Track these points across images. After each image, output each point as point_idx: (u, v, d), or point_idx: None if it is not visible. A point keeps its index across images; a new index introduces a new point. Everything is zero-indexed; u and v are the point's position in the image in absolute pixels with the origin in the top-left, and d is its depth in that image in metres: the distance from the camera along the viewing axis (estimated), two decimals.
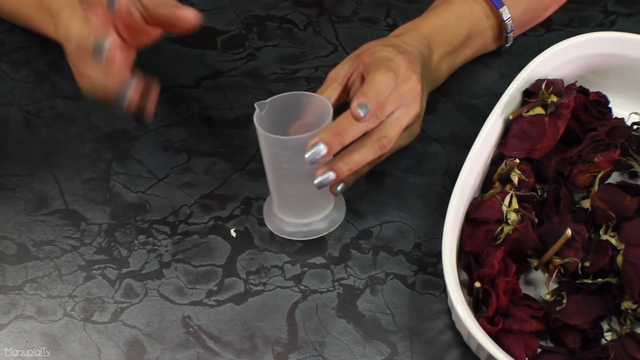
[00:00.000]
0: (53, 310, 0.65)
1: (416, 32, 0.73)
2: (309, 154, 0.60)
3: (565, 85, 0.71)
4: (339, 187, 0.65)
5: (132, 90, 0.63)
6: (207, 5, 0.85)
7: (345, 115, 0.62)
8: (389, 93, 0.63)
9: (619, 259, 0.61)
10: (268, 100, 0.63)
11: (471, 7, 0.75)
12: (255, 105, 0.63)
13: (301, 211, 0.67)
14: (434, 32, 0.73)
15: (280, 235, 0.67)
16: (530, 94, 0.70)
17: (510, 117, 0.68)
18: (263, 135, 0.62)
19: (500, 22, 0.77)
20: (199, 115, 0.77)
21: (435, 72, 0.74)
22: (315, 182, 0.62)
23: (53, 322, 0.64)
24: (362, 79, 0.66)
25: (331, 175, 0.62)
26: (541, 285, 0.65)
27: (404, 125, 0.66)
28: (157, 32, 0.65)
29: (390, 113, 0.65)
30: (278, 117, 0.64)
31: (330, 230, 0.67)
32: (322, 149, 0.60)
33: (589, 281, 0.62)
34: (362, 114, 0.61)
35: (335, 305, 0.65)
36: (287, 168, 0.63)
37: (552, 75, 0.71)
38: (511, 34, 0.78)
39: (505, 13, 0.76)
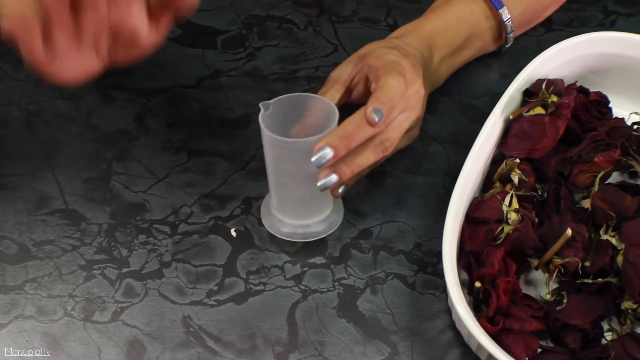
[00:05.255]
0: (53, 310, 0.65)
1: (417, 34, 0.73)
2: (316, 158, 0.60)
3: (566, 85, 0.71)
4: (340, 190, 0.65)
5: None
6: (207, 5, 0.85)
7: (352, 120, 0.62)
8: (400, 98, 0.63)
9: (619, 258, 0.61)
10: (273, 100, 0.63)
11: (471, 8, 0.75)
12: (260, 105, 0.62)
13: (300, 212, 0.67)
14: (435, 34, 0.73)
15: (277, 235, 0.67)
16: (530, 94, 0.70)
17: (511, 117, 0.68)
18: (268, 137, 0.62)
19: (500, 23, 0.77)
20: (199, 115, 0.77)
21: (436, 74, 0.74)
22: (318, 184, 0.62)
23: (53, 322, 0.64)
24: (366, 81, 0.66)
25: (334, 177, 0.62)
26: (541, 285, 0.65)
27: (406, 128, 0.66)
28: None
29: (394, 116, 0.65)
30: (282, 117, 0.64)
31: (328, 233, 0.67)
32: (328, 152, 0.60)
33: (589, 281, 0.62)
34: (377, 119, 0.61)
35: (336, 305, 0.65)
36: (291, 170, 0.63)
37: (552, 75, 0.71)
38: (511, 34, 0.78)
39: (505, 14, 0.76)
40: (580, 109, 0.70)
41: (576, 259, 0.62)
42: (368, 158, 0.64)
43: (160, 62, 0.80)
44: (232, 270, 0.67)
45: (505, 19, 0.76)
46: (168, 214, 0.70)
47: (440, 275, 0.66)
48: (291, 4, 0.86)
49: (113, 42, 0.56)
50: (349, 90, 0.68)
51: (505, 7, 0.76)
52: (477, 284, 0.61)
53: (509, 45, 0.79)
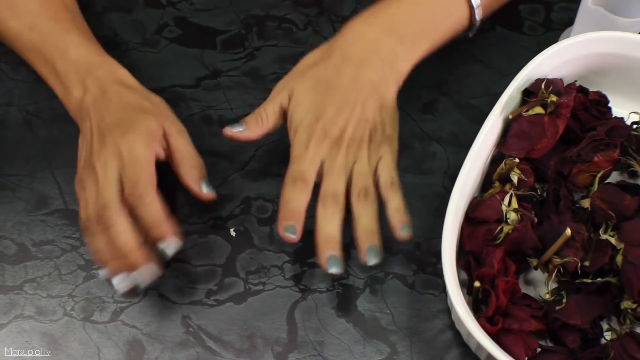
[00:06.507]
0: (53, 310, 0.65)
1: (375, 21, 0.70)
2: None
3: (565, 84, 0.71)
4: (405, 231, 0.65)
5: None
6: (207, 5, 0.85)
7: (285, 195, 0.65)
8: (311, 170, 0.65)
9: (619, 258, 0.61)
10: None
11: None
12: None
13: None
14: (396, 20, 0.70)
15: None
16: (529, 94, 0.70)
17: (510, 117, 0.68)
18: None
19: (468, 2, 0.72)
20: (199, 115, 0.77)
21: (398, 64, 0.69)
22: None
23: (53, 322, 0.64)
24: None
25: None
26: (541, 285, 0.65)
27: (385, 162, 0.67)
28: None
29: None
30: None
31: None
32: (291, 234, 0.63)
33: (589, 281, 0.62)
34: (293, 236, 0.63)
35: (335, 304, 0.65)
36: None
37: (551, 74, 0.71)
38: (478, 10, 0.73)
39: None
40: (579, 109, 0.70)
41: (575, 258, 0.61)
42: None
43: (159, 62, 0.80)
44: (232, 270, 0.67)
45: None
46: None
47: (440, 275, 0.66)
48: (291, 4, 0.85)
49: None
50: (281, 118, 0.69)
51: None
52: (477, 284, 0.61)
53: (478, 22, 0.74)
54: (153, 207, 0.62)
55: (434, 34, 0.71)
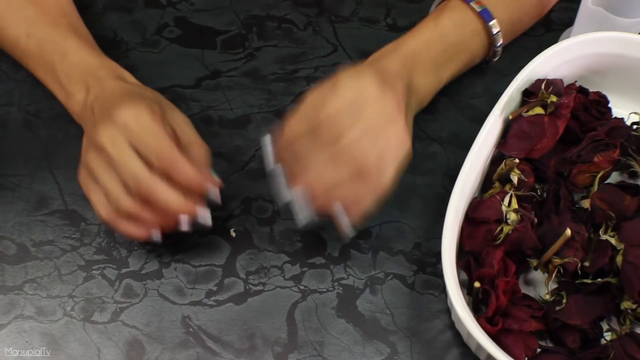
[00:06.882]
0: (53, 310, 0.65)
1: (398, 54, 0.70)
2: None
3: (565, 85, 0.71)
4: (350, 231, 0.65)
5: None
6: (206, 5, 0.85)
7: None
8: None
9: (619, 258, 0.61)
10: None
11: (455, 21, 0.73)
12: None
13: None
14: (417, 52, 0.71)
15: None
16: (529, 94, 0.70)
17: (510, 117, 0.68)
18: None
19: (488, 35, 0.74)
20: (199, 115, 0.77)
21: (418, 93, 0.71)
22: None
23: (53, 322, 0.64)
24: None
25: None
26: (541, 285, 0.65)
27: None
28: None
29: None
30: None
31: None
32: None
33: (589, 281, 0.62)
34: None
35: (335, 305, 0.65)
36: None
37: (551, 75, 0.71)
38: (499, 48, 0.75)
39: (495, 27, 0.73)
40: (579, 109, 0.70)
41: (575, 259, 0.62)
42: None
43: (159, 62, 0.80)
44: (232, 270, 0.67)
45: (494, 32, 0.74)
46: None
47: (440, 275, 0.66)
48: (291, 4, 0.86)
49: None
50: None
51: (495, 20, 0.73)
52: (477, 284, 0.61)
53: (497, 59, 0.77)
54: (187, 170, 0.61)
55: (454, 65, 0.73)
